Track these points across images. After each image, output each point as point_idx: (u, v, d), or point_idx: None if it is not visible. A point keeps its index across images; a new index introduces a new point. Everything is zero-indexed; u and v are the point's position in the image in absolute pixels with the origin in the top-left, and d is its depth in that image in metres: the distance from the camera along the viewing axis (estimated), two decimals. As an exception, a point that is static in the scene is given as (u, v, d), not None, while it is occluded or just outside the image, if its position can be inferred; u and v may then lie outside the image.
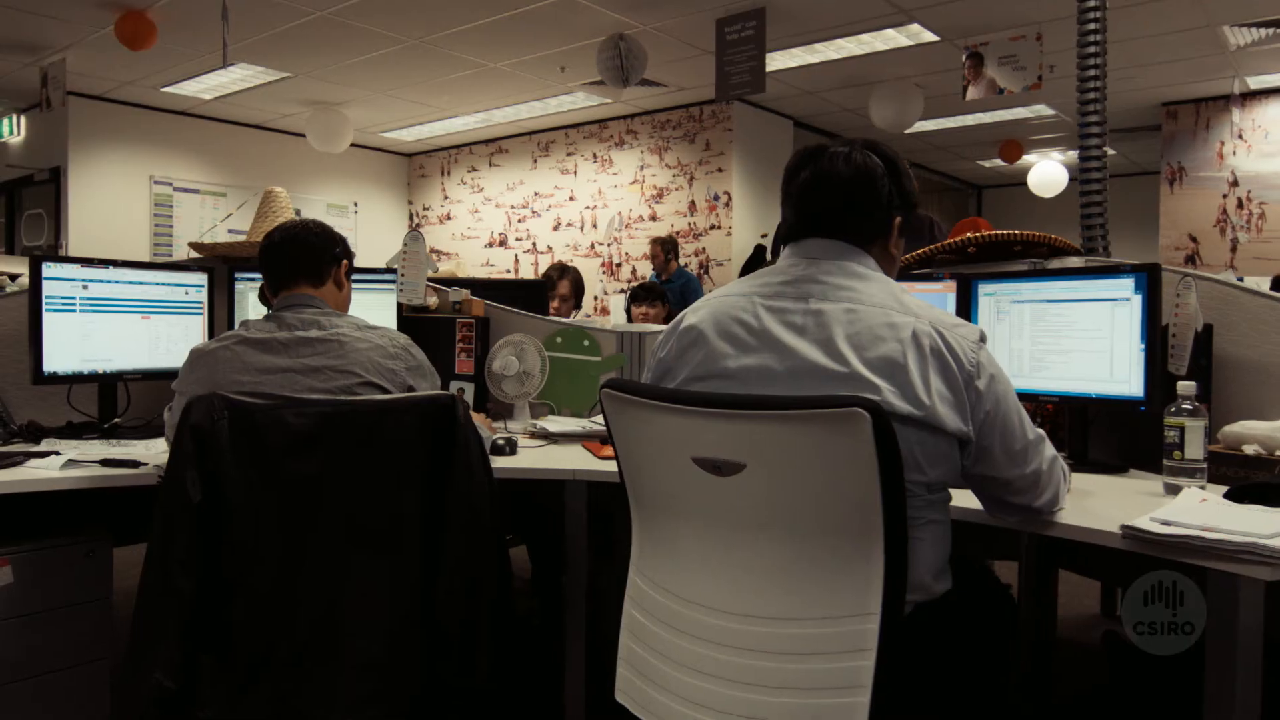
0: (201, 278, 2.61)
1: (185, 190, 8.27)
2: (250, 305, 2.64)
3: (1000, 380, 1.34)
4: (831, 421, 1.16)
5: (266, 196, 2.97)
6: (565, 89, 7.18)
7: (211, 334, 2.63)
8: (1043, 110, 7.71)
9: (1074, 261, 2.43)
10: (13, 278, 2.63)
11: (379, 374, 1.87)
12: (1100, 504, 1.62)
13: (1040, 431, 1.42)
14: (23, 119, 8.31)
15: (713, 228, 7.45)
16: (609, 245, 8.13)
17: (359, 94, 7.46)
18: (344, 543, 1.60)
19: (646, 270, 7.70)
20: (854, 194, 1.41)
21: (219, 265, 2.71)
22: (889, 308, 1.33)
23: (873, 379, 1.27)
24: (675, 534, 1.36)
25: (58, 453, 2.02)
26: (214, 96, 7.63)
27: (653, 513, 1.41)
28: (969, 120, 8.00)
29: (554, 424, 2.55)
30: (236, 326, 1.90)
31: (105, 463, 1.94)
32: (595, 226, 8.28)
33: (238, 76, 7.01)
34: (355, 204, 9.53)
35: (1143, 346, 1.94)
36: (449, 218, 9.67)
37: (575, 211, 8.45)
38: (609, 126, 8.14)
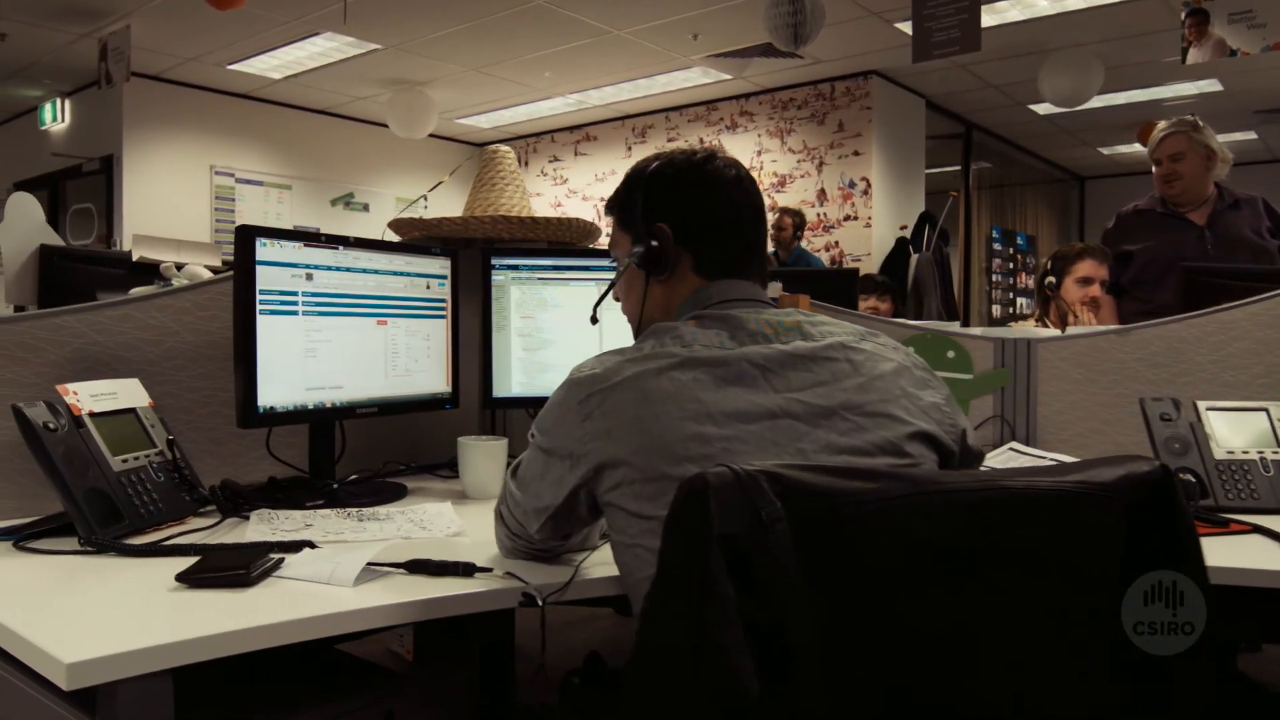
0: (444, 265, 1.80)
1: (247, 182, 7.49)
2: (513, 303, 1.83)
3: None
4: None
5: (491, 159, 2.18)
6: (687, 62, 6.36)
7: (457, 344, 1.82)
8: (1210, 88, 6.88)
9: None
10: (179, 267, 1.82)
11: (925, 418, 1.07)
12: None
13: None
14: (68, 103, 7.53)
15: (848, 218, 6.61)
16: (719, 240, 7.31)
17: (448, 70, 6.66)
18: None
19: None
20: None
21: (464, 249, 1.91)
22: None
23: None
24: None
25: (311, 544, 1.23)
26: (284, 76, 6.84)
27: None
28: (1119, 99, 7.15)
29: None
30: (660, 338, 1.08)
31: (415, 567, 1.15)
32: (701, 219, 7.45)
33: (318, 50, 6.22)
34: (425, 197, 8.73)
35: None
36: (525, 212, 8.86)
37: (677, 203, 7.62)
38: (718, 108, 7.32)
